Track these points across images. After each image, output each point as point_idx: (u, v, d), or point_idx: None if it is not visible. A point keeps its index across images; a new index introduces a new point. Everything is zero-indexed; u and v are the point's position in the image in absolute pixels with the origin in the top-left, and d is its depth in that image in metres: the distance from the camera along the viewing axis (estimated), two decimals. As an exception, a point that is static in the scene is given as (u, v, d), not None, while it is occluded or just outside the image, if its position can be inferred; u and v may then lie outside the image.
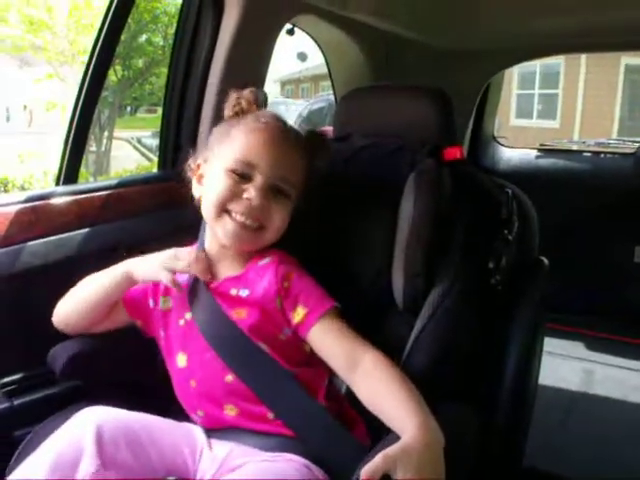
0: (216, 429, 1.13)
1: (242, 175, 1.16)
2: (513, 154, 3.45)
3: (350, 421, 1.14)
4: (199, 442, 1.11)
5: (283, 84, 21.73)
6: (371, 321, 1.23)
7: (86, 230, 1.52)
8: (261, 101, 1.27)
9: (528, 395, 1.42)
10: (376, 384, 1.05)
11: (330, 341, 1.11)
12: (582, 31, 2.51)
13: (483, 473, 1.21)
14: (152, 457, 1.04)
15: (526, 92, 12.18)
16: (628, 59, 10.44)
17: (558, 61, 11.06)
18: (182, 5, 1.87)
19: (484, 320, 1.25)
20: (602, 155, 3.32)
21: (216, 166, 1.20)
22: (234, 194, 1.16)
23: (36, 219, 1.44)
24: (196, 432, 1.13)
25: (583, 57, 10.49)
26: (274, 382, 1.11)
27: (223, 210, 1.17)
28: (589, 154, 3.35)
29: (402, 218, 1.25)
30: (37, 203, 1.46)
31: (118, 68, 6.63)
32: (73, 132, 1.63)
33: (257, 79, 1.89)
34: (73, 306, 1.25)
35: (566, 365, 2.77)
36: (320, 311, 1.13)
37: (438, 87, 1.42)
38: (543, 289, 1.44)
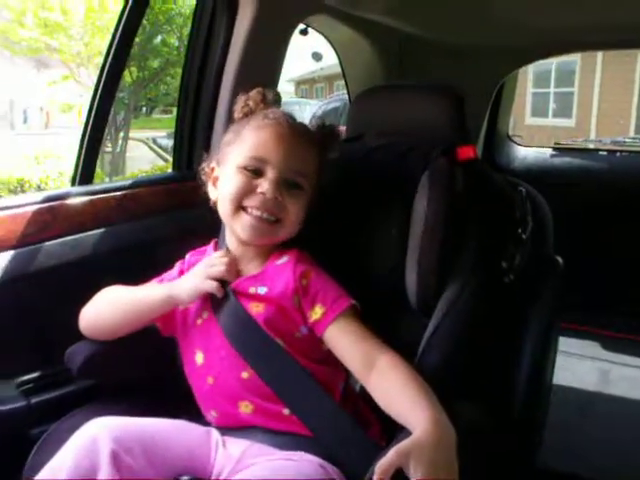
0: (231, 428, 1.14)
1: (254, 171, 1.18)
2: (528, 153, 3.43)
3: (365, 421, 1.15)
4: (214, 441, 1.12)
5: (298, 84, 21.77)
6: (385, 319, 1.23)
7: (102, 230, 1.54)
8: (270, 100, 1.29)
9: (543, 395, 1.42)
10: (390, 384, 1.05)
11: (346, 340, 1.12)
12: (598, 28, 2.49)
13: (497, 472, 1.21)
14: (167, 461, 1.05)
15: (541, 91, 12.11)
16: (645, 56, 10.35)
17: (574, 59, 10.98)
18: (196, 6, 1.89)
19: (498, 319, 1.25)
20: (618, 154, 3.29)
21: (229, 166, 1.22)
22: (248, 190, 1.18)
23: (52, 219, 1.46)
24: (210, 432, 1.14)
25: (599, 55, 10.41)
26: (290, 378, 1.12)
27: (239, 207, 1.19)
28: (605, 153, 3.32)
29: (415, 217, 1.25)
30: (53, 203, 1.48)
31: (133, 69, 6.67)
32: (88, 133, 1.64)
33: (271, 79, 1.90)
34: (105, 319, 1.25)
35: (582, 365, 2.75)
36: (338, 310, 1.13)
37: (451, 86, 1.41)
38: (558, 288, 1.43)
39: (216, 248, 1.30)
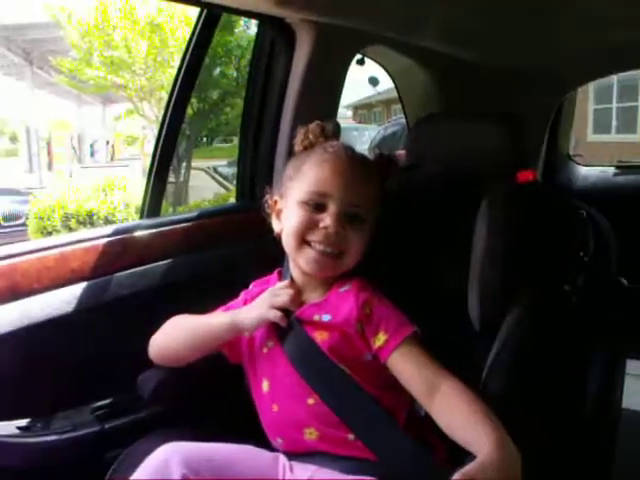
0: (297, 453, 1.16)
1: (316, 206, 1.20)
2: (590, 172, 3.37)
3: (431, 446, 1.15)
4: (281, 466, 1.13)
5: (356, 109, 21.92)
6: (450, 344, 1.23)
7: (169, 261, 1.59)
8: (329, 132, 1.31)
9: (611, 421, 1.39)
10: (453, 410, 1.05)
11: (409, 367, 1.13)
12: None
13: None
14: None
15: (603, 106, 11.85)
16: None
17: (636, 72, 10.72)
18: (256, 39, 1.93)
19: (561, 344, 1.23)
20: (686, 170, 3.21)
21: (291, 201, 1.25)
22: (311, 225, 1.20)
23: (123, 251, 1.52)
24: (278, 457, 1.16)
25: (663, 67, 10.12)
26: (356, 404, 1.13)
27: (303, 241, 1.21)
28: (671, 170, 3.24)
29: (476, 244, 1.26)
30: (124, 236, 1.54)
31: (194, 100, 6.82)
32: (155, 167, 1.71)
33: (329, 110, 1.92)
34: (173, 346, 1.31)
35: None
36: (401, 337, 1.14)
37: (507, 113, 1.42)
38: (622, 310, 1.41)
39: (280, 278, 1.33)
